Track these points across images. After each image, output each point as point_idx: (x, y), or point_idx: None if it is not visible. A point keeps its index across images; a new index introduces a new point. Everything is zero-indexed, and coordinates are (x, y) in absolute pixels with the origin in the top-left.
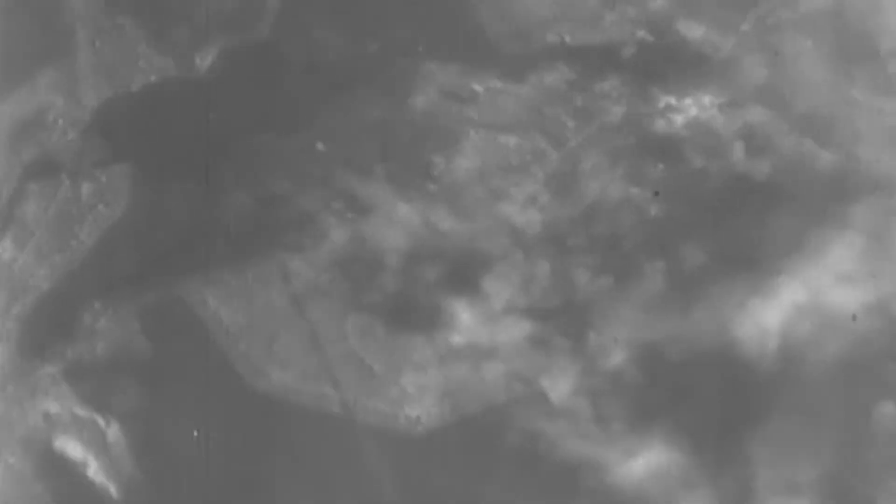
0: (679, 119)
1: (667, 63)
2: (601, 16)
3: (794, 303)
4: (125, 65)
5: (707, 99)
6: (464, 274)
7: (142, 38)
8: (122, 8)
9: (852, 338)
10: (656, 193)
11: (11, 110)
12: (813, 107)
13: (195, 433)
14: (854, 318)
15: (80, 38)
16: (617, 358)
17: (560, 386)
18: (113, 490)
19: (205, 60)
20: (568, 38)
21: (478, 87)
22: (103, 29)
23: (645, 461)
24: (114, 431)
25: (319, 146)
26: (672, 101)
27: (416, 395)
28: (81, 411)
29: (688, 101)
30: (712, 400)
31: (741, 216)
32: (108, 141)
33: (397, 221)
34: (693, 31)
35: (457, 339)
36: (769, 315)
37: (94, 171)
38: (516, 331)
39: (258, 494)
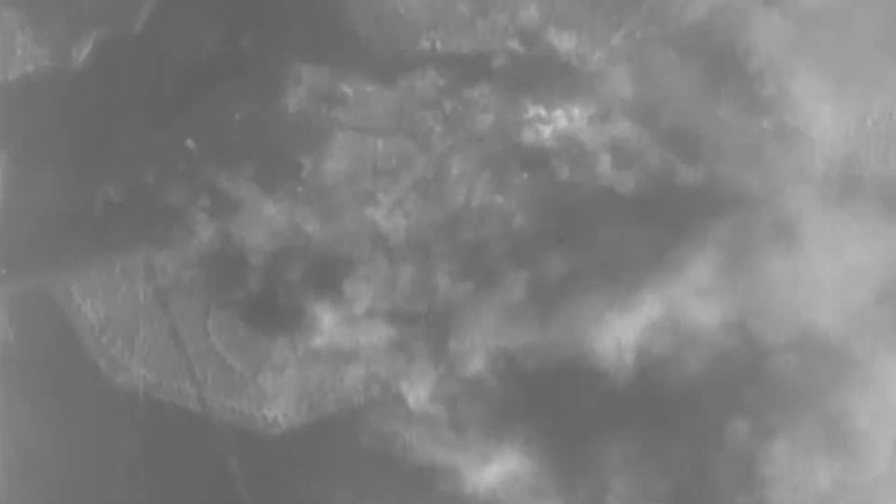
0: (547, 130)
1: (537, 73)
2: (473, 24)
3: (651, 317)
4: (2, 52)
5: (577, 111)
6: (327, 276)
7: (20, 27)
8: None
9: (709, 354)
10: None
11: None
12: (679, 123)
13: None
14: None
15: None
16: (475, 365)
17: (418, 391)
18: None
19: (81, 52)
20: (439, 45)
21: (348, 90)
22: None
23: (498, 468)
24: None
25: (189, 142)
26: (542, 111)
27: (275, 395)
28: None
29: (558, 112)
30: (567, 410)
31: (604, 229)
32: None
33: (263, 221)
34: (563, 42)
35: (317, 340)
36: (627, 328)
37: None
38: (377, 334)
39: (112, 486)
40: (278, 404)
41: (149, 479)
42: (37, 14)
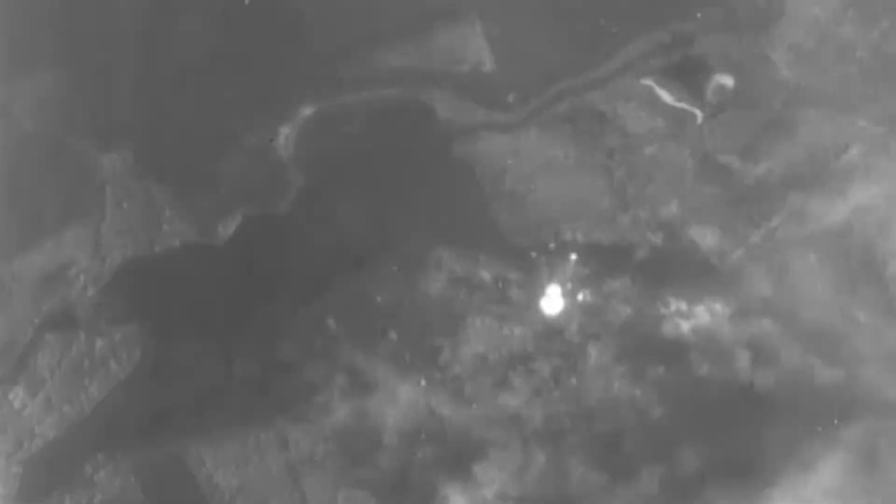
0: (687, 324)
1: (678, 268)
2: (614, 217)
3: None
4: (150, 227)
5: (719, 307)
6: (460, 459)
7: (168, 203)
8: (150, 174)
9: None
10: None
11: (37, 261)
12: (818, 324)
13: None
14: None
15: (109, 198)
16: None
17: None
18: None
19: (227, 229)
20: (580, 237)
21: (487, 276)
22: (132, 191)
23: None
24: None
25: (330, 321)
26: (683, 306)
27: None
28: None
29: (700, 307)
30: None
31: (740, 426)
32: (125, 300)
33: (399, 402)
34: (705, 238)
35: None
36: None
37: (110, 329)
38: None
39: None
40: None
41: None
42: (186, 192)
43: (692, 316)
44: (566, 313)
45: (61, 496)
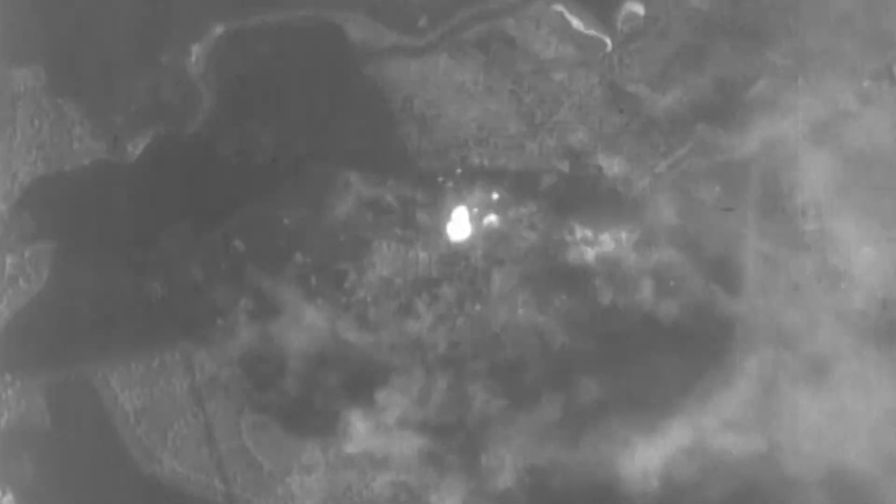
0: (591, 252)
1: (584, 196)
2: (521, 144)
3: (678, 444)
4: (61, 145)
5: (624, 235)
6: (363, 384)
7: (79, 121)
8: (62, 90)
9: (736, 484)
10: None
11: None
12: (723, 254)
13: None
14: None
15: (20, 115)
16: (505, 481)
17: (447, 503)
18: None
19: (137, 147)
20: (487, 162)
21: (394, 200)
22: (43, 108)
23: None
24: (8, 501)
25: (237, 243)
26: (588, 233)
27: (301, 497)
28: None
29: (605, 235)
30: None
31: (641, 356)
32: (35, 217)
33: (304, 326)
34: (611, 167)
35: (349, 446)
36: (653, 455)
37: (19, 245)
38: (408, 444)
39: None
40: None
41: None
42: (97, 108)
43: (597, 244)
44: (472, 239)
45: None
